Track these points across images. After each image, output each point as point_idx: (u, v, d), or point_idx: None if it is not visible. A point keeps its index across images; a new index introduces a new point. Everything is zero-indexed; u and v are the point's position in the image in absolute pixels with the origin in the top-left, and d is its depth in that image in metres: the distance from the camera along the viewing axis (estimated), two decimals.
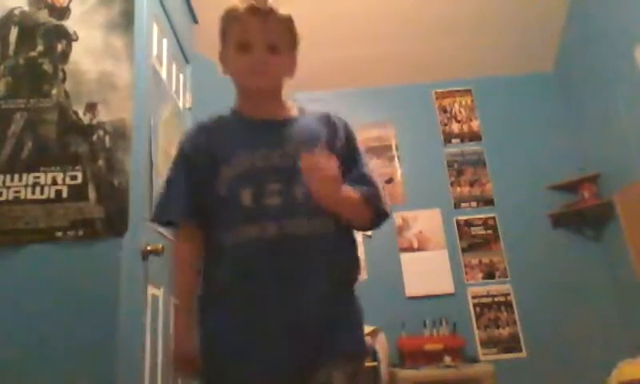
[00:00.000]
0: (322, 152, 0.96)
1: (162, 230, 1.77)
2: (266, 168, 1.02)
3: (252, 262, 0.98)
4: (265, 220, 0.98)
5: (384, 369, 2.82)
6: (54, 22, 1.65)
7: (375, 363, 2.75)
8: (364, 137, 3.67)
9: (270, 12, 1.06)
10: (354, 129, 1.16)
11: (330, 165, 0.94)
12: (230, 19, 1.08)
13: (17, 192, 1.46)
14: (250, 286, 0.98)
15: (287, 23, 1.09)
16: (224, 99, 3.83)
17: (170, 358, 1.04)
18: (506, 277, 3.39)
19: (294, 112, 1.14)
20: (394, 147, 3.68)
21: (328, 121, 1.13)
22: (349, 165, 1.06)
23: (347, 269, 1.06)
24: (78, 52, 1.62)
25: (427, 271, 3.37)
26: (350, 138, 1.13)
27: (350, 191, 1.01)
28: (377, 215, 1.07)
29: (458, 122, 3.79)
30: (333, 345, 0.96)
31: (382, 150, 3.66)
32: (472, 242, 3.48)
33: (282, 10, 1.08)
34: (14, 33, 1.63)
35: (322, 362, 0.95)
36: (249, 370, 0.96)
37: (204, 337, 1.01)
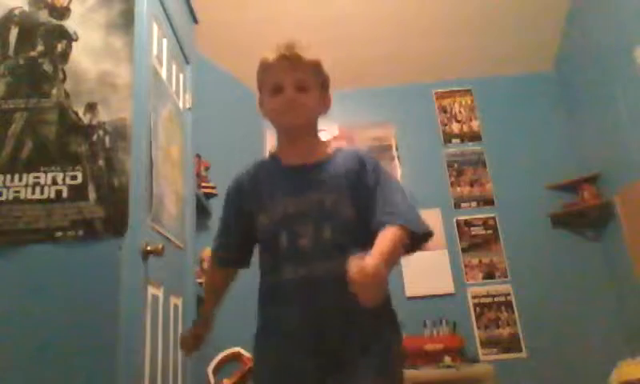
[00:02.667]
0: (358, 260, 0.94)
1: (161, 229, 1.77)
2: (297, 213, 1.13)
3: (288, 300, 1.11)
4: (297, 262, 1.10)
5: None
6: (54, 21, 1.65)
7: None
8: (364, 137, 3.67)
9: (298, 57, 1.17)
10: (380, 163, 1.24)
11: (369, 271, 0.92)
12: (264, 68, 1.21)
13: (17, 192, 1.46)
14: (287, 321, 1.11)
15: (314, 66, 1.20)
16: (224, 99, 3.83)
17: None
18: (506, 277, 3.39)
19: (329, 151, 1.24)
20: (393, 147, 3.68)
21: (357, 158, 1.20)
22: (377, 194, 1.15)
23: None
24: (78, 52, 1.62)
25: (427, 271, 3.37)
26: (376, 170, 1.19)
27: (384, 252, 1.00)
28: (415, 242, 1.13)
29: (458, 122, 3.79)
30: (363, 369, 1.05)
31: (381, 150, 3.66)
32: (472, 242, 3.48)
33: (309, 55, 1.19)
34: (13, 33, 1.63)
35: (358, 365, 1.05)
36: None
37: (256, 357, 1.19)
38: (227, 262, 1.30)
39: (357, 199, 1.14)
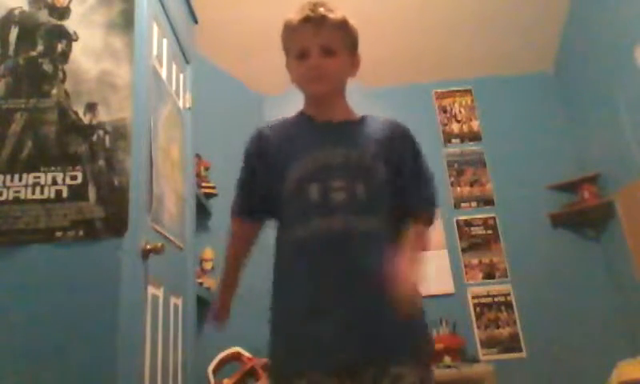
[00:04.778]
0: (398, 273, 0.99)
1: (161, 229, 1.77)
2: (330, 165, 1.10)
3: (320, 253, 1.05)
4: (332, 214, 1.05)
5: None
6: (54, 21, 1.65)
7: None
8: None
9: (323, 18, 1.12)
10: (414, 135, 1.24)
11: (406, 282, 0.99)
12: (288, 31, 1.17)
13: (17, 192, 1.46)
14: (317, 277, 1.05)
15: (341, 26, 1.15)
16: (224, 99, 3.83)
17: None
18: (506, 277, 3.39)
19: (356, 115, 1.23)
20: None
21: (391, 127, 1.20)
22: (408, 168, 1.17)
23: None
24: (78, 52, 1.62)
25: (427, 271, 3.36)
26: (416, 147, 1.22)
27: (414, 249, 1.10)
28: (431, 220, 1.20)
29: (458, 122, 3.79)
30: (397, 342, 1.02)
31: None
32: (472, 241, 3.48)
33: (334, 15, 1.13)
34: (14, 33, 1.63)
35: (384, 357, 1.01)
36: (307, 354, 1.02)
37: (273, 323, 1.11)
38: (250, 211, 1.22)
39: (390, 164, 1.13)
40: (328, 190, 1.07)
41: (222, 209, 2.93)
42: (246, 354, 2.55)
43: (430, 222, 1.20)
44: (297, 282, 1.08)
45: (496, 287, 3.37)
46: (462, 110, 3.81)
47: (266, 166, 1.17)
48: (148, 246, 1.57)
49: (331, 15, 1.13)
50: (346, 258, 1.04)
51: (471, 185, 3.62)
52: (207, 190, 2.80)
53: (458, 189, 3.61)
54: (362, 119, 1.22)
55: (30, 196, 1.46)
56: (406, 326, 1.03)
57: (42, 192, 1.47)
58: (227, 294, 1.26)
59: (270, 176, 1.15)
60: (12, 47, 1.61)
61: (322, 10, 1.12)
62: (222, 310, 1.25)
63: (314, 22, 1.12)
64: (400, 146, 1.18)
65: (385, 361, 1.00)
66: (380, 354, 1.00)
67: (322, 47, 1.12)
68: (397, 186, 1.14)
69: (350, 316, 1.01)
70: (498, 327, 3.29)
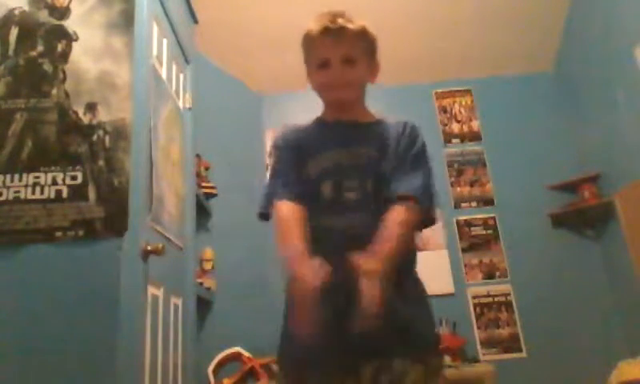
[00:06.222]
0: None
1: (161, 229, 1.77)
2: (345, 165, 1.13)
3: (331, 248, 1.04)
4: (344, 212, 1.08)
5: None
6: (54, 21, 1.65)
7: None
8: None
9: (343, 29, 1.14)
10: (420, 135, 1.25)
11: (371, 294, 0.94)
12: (308, 42, 1.20)
13: (17, 192, 1.46)
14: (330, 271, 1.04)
15: (360, 35, 1.18)
16: (224, 99, 3.82)
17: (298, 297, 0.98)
18: (506, 277, 3.39)
19: (374, 117, 1.25)
20: None
21: (401, 127, 1.21)
22: (400, 158, 1.15)
23: (411, 256, 1.17)
24: (77, 52, 1.62)
25: (427, 271, 3.35)
26: (411, 144, 1.20)
27: (385, 249, 1.01)
28: (423, 224, 1.19)
29: (458, 122, 3.79)
30: (406, 337, 1.03)
31: None
32: (472, 242, 3.48)
33: (353, 25, 1.16)
34: (14, 33, 1.63)
35: (393, 352, 1.01)
36: (316, 350, 1.01)
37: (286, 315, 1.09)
38: (297, 195, 1.13)
39: (390, 161, 1.15)
40: (341, 188, 1.10)
41: (222, 209, 2.94)
42: (246, 353, 2.55)
43: (420, 213, 1.13)
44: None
45: (496, 287, 3.37)
46: (462, 110, 3.81)
47: (296, 158, 1.17)
48: (148, 247, 1.57)
49: (350, 26, 1.15)
50: (345, 253, 1.01)
51: (471, 185, 3.62)
52: (207, 190, 2.80)
53: (458, 189, 3.61)
54: (377, 121, 1.24)
55: (30, 196, 1.46)
56: (409, 321, 1.05)
57: (42, 192, 1.47)
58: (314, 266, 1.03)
59: (298, 167, 1.16)
60: (12, 47, 1.61)
61: (341, 20, 1.15)
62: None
63: (333, 33, 1.14)
64: (402, 142, 1.19)
65: (385, 356, 1.00)
66: (379, 350, 1.01)
67: (342, 57, 1.15)
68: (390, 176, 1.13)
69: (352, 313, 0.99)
70: (498, 327, 3.29)
